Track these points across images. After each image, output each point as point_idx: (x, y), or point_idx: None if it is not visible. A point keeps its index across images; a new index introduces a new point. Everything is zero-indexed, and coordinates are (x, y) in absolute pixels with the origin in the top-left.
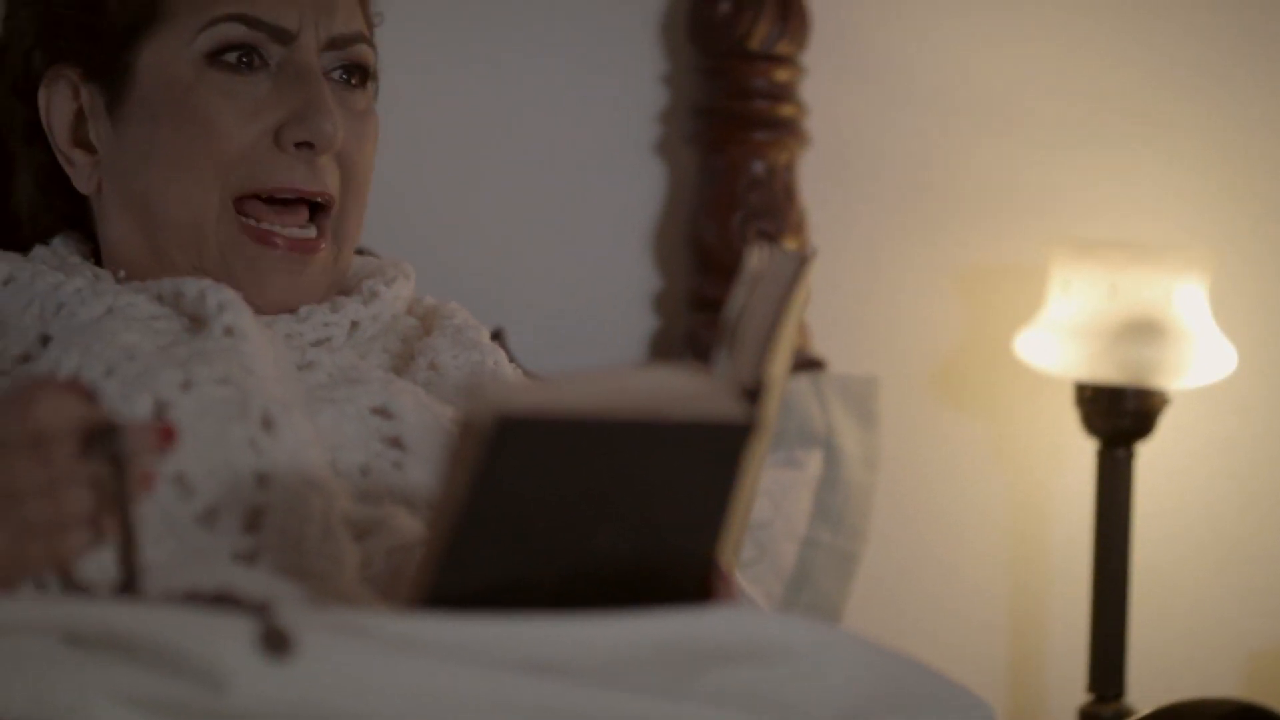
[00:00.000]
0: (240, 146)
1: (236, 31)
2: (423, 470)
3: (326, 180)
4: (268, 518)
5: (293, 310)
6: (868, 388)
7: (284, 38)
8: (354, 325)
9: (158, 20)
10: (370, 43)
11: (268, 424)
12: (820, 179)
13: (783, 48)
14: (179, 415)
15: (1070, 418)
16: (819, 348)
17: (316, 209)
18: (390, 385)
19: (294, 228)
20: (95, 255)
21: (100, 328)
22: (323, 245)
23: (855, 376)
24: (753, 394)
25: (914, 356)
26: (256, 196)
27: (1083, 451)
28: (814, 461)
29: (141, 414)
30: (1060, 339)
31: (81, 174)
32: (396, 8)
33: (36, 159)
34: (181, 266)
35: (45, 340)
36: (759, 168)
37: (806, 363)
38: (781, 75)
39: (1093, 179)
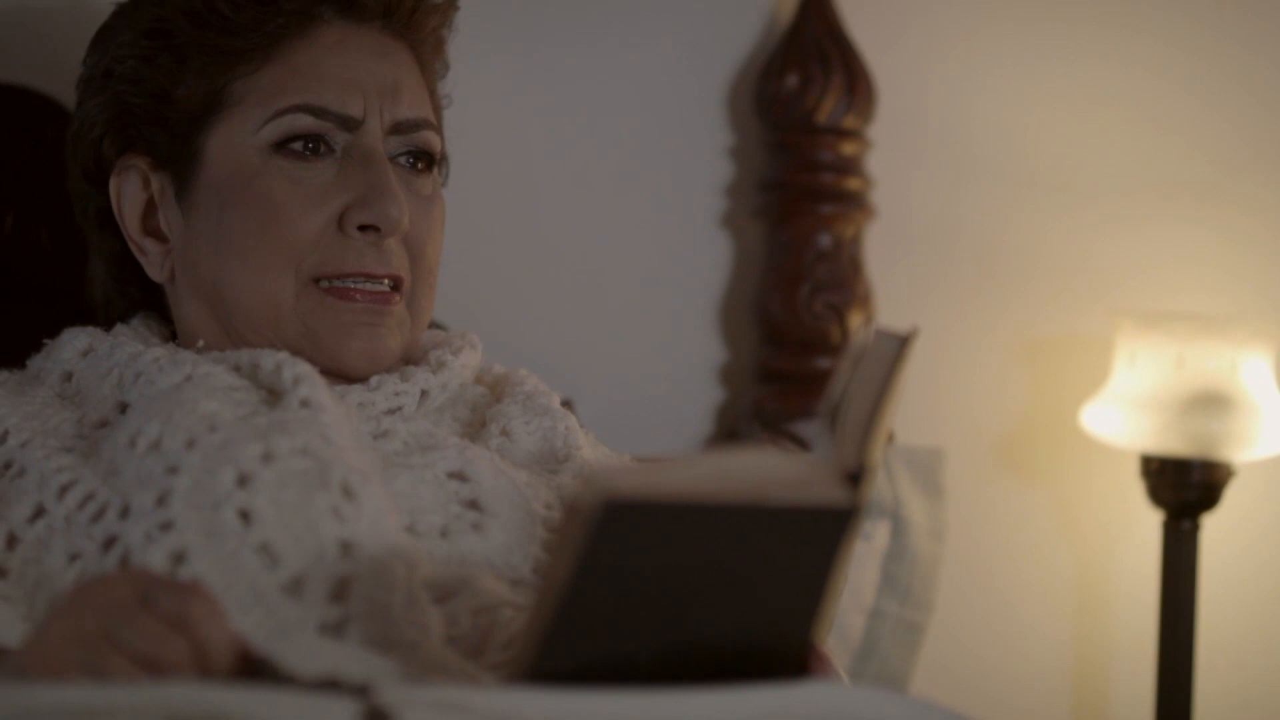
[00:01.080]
0: (308, 232)
1: (303, 122)
2: (502, 532)
3: (394, 262)
4: (354, 587)
5: (371, 372)
6: (934, 459)
7: (349, 125)
8: (424, 394)
9: (224, 108)
10: (436, 128)
11: (349, 493)
12: (886, 251)
13: (849, 121)
14: (261, 487)
15: (1135, 489)
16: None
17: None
18: (466, 450)
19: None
20: (172, 335)
21: (180, 396)
22: (398, 301)
23: (921, 448)
24: (855, 477)
25: (979, 428)
26: (327, 280)
27: (1147, 523)
28: (881, 533)
29: (225, 486)
30: (1126, 411)
31: (154, 263)
32: (465, 82)
33: (109, 246)
34: (258, 345)
35: (123, 408)
36: (826, 240)
37: None
38: (848, 149)
39: (1157, 252)
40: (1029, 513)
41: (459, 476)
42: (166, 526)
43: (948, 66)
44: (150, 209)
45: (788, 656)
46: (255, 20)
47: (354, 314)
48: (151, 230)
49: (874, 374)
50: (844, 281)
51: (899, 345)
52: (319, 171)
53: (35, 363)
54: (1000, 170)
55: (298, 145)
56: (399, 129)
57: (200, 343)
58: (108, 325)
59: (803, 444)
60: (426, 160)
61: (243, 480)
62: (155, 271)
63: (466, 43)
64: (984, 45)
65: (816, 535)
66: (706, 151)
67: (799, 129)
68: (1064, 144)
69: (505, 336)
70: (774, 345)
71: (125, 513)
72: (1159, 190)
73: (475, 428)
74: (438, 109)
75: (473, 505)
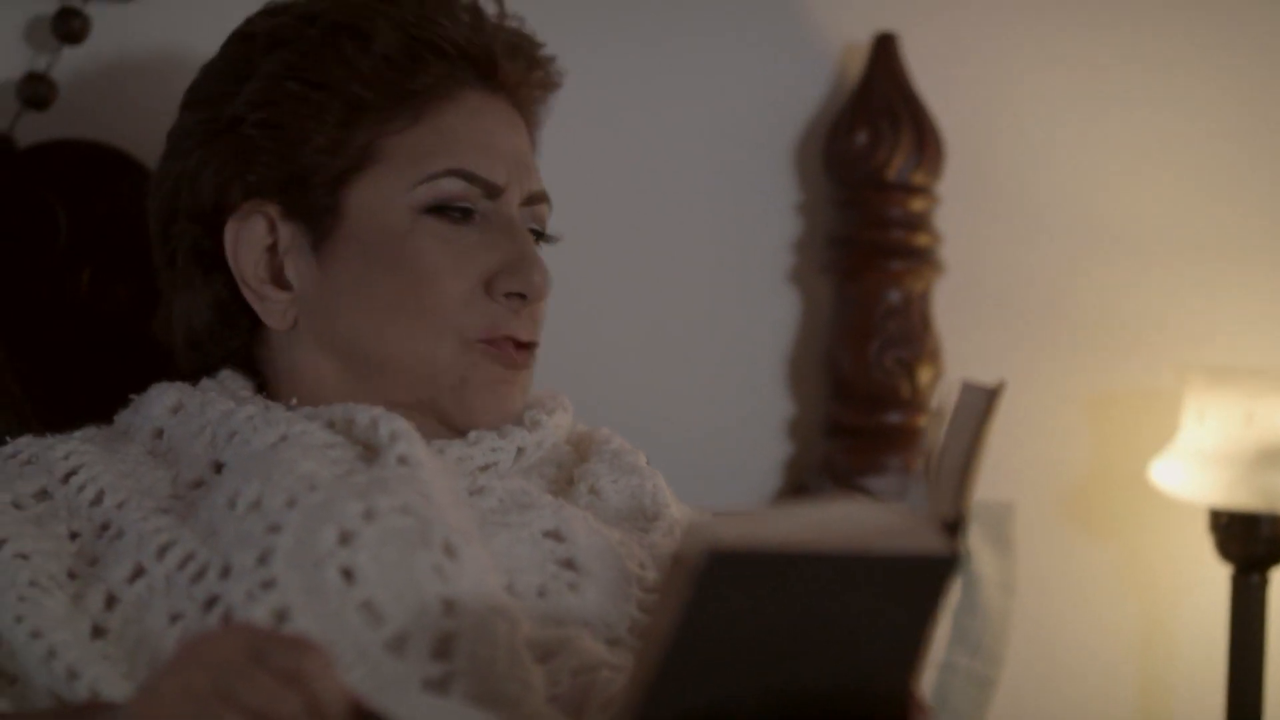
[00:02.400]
0: (458, 294)
1: (456, 186)
2: (598, 592)
3: (535, 329)
4: (457, 644)
5: (492, 429)
6: (1004, 513)
7: (493, 192)
8: (520, 451)
9: (370, 164)
10: (549, 202)
11: (451, 552)
12: (954, 307)
13: (918, 178)
14: (363, 545)
15: (1202, 544)
16: None
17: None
18: (561, 509)
19: None
20: (259, 387)
21: (277, 456)
22: (528, 364)
23: (991, 502)
24: (952, 527)
25: (1046, 482)
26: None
27: (1214, 578)
28: (951, 587)
29: (327, 544)
30: (1195, 465)
31: (275, 310)
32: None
33: (213, 290)
34: (402, 401)
35: (218, 467)
36: (895, 296)
37: None
38: (917, 205)
39: (1224, 308)
40: (1095, 566)
41: (555, 536)
42: (269, 585)
43: (1015, 122)
44: (270, 255)
45: (888, 705)
46: (403, 78)
47: (504, 374)
48: (273, 277)
49: (964, 427)
50: (914, 337)
51: (987, 398)
52: (466, 234)
53: (124, 418)
54: (1068, 225)
55: (455, 213)
56: (530, 200)
57: (293, 400)
58: (190, 368)
59: (875, 499)
60: (541, 232)
61: (344, 538)
62: (276, 319)
63: None
64: (1052, 100)
65: (916, 584)
66: (774, 207)
67: (868, 185)
68: (1132, 200)
69: (573, 390)
70: (843, 400)
71: (226, 573)
72: (1225, 247)
73: (562, 485)
74: None
75: (569, 565)
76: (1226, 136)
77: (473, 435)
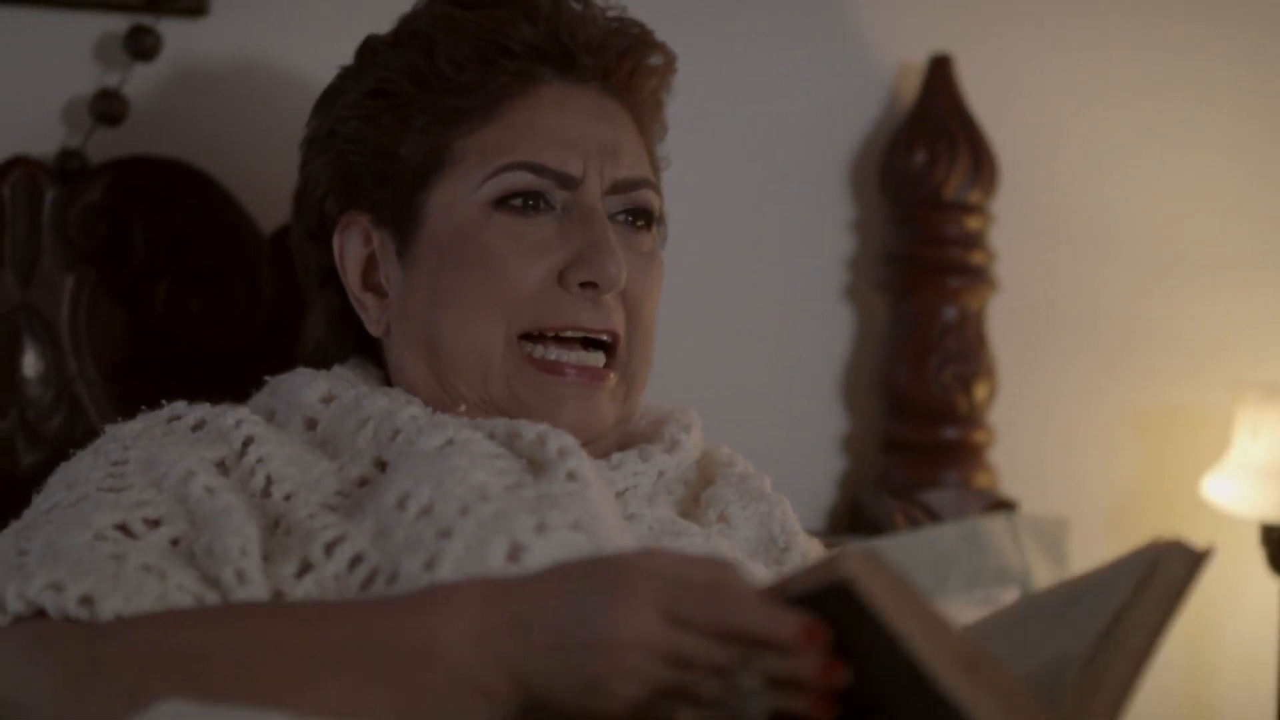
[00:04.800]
0: (527, 286)
1: (524, 179)
2: None
3: (612, 319)
4: None
5: (583, 441)
6: (1058, 528)
7: (569, 183)
8: (660, 475)
9: (446, 166)
10: (655, 187)
11: None
12: (1007, 323)
13: (974, 197)
14: (534, 559)
15: (1250, 558)
16: (1008, 488)
17: (603, 345)
18: (710, 540)
19: (578, 353)
20: (386, 380)
21: (448, 463)
22: (610, 375)
23: (1046, 517)
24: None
25: (1096, 496)
26: (542, 334)
27: (1263, 592)
28: (1010, 599)
29: (496, 558)
30: (1248, 480)
31: (373, 317)
32: None
33: (329, 301)
34: (469, 399)
35: (381, 464)
36: (952, 313)
37: (999, 504)
38: (972, 223)
39: (1275, 324)
40: None
41: None
42: None
43: (1066, 141)
44: (371, 265)
45: None
46: (477, 80)
47: (564, 388)
48: (372, 285)
49: (1161, 598)
50: (970, 353)
51: (1191, 566)
52: (539, 227)
53: (262, 402)
54: (1120, 244)
55: (517, 201)
56: (618, 188)
57: (462, 407)
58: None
59: (933, 514)
60: (646, 218)
61: (514, 552)
62: (373, 326)
63: None
64: (1103, 121)
65: None
66: (829, 225)
67: (926, 204)
68: (1185, 219)
69: None
70: (900, 416)
71: (394, 579)
72: (1273, 259)
73: (688, 506)
74: (656, 169)
75: None
76: (1273, 153)
77: (616, 458)
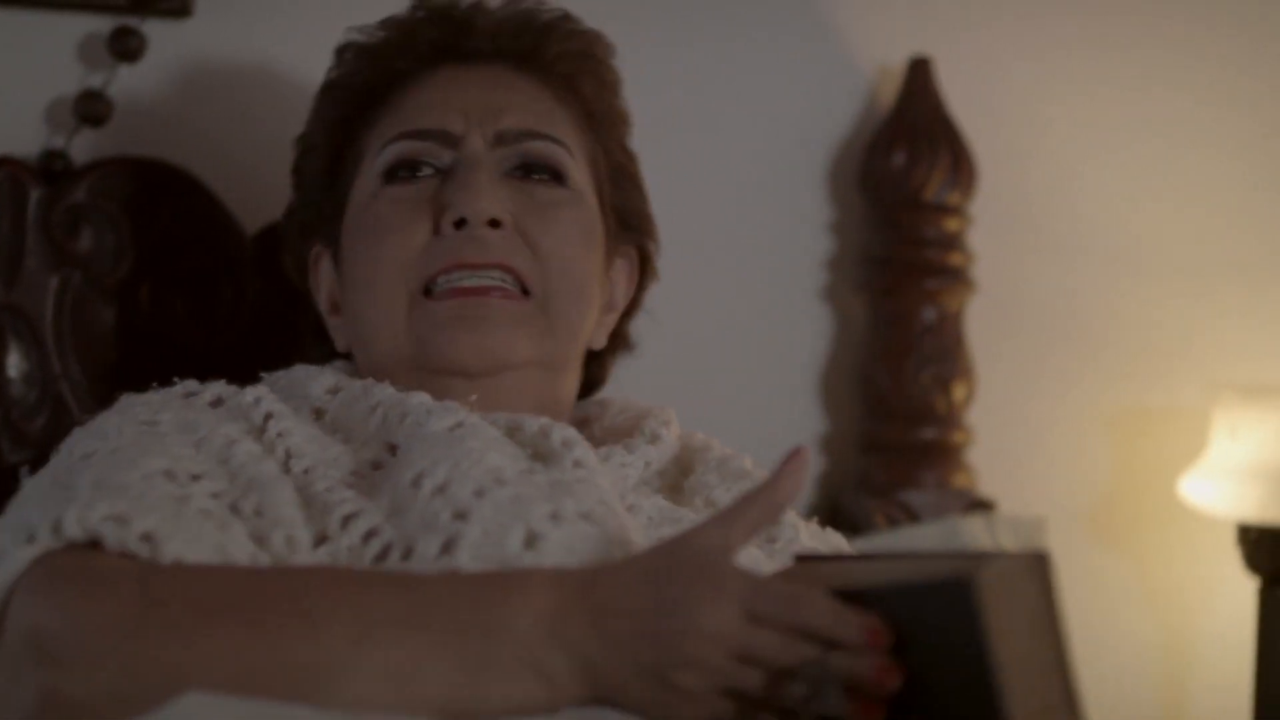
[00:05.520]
0: (413, 244)
1: (405, 147)
2: None
3: (495, 253)
4: None
5: (491, 368)
6: (1035, 528)
7: (450, 140)
8: (646, 466)
9: (357, 166)
10: (558, 141)
11: None
12: (985, 324)
13: (953, 198)
14: (549, 548)
15: (1226, 558)
16: (986, 489)
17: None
18: None
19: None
20: None
21: (462, 444)
22: (513, 296)
23: (1024, 517)
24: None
25: (1072, 496)
26: (443, 290)
27: (1240, 591)
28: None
29: (513, 545)
30: (1226, 481)
31: (338, 335)
32: None
33: (310, 321)
34: (394, 375)
35: (392, 449)
36: (930, 314)
37: (977, 504)
38: (951, 225)
39: (1250, 325)
40: (1120, 579)
41: None
42: None
43: (1044, 143)
44: (334, 290)
45: None
46: (369, 76)
47: (451, 310)
48: (334, 308)
49: (1026, 612)
50: (949, 354)
51: (1038, 570)
52: (422, 190)
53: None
54: (1098, 245)
55: (404, 172)
56: (503, 140)
57: (473, 396)
58: None
59: (913, 514)
60: (547, 172)
61: (531, 540)
62: (340, 343)
63: None
64: (1080, 122)
65: (954, 610)
66: (808, 226)
67: (906, 205)
68: (1161, 220)
69: None
70: (880, 416)
71: (408, 555)
72: (1252, 266)
73: (672, 493)
74: (600, 141)
75: None
76: (1253, 160)
77: (602, 451)
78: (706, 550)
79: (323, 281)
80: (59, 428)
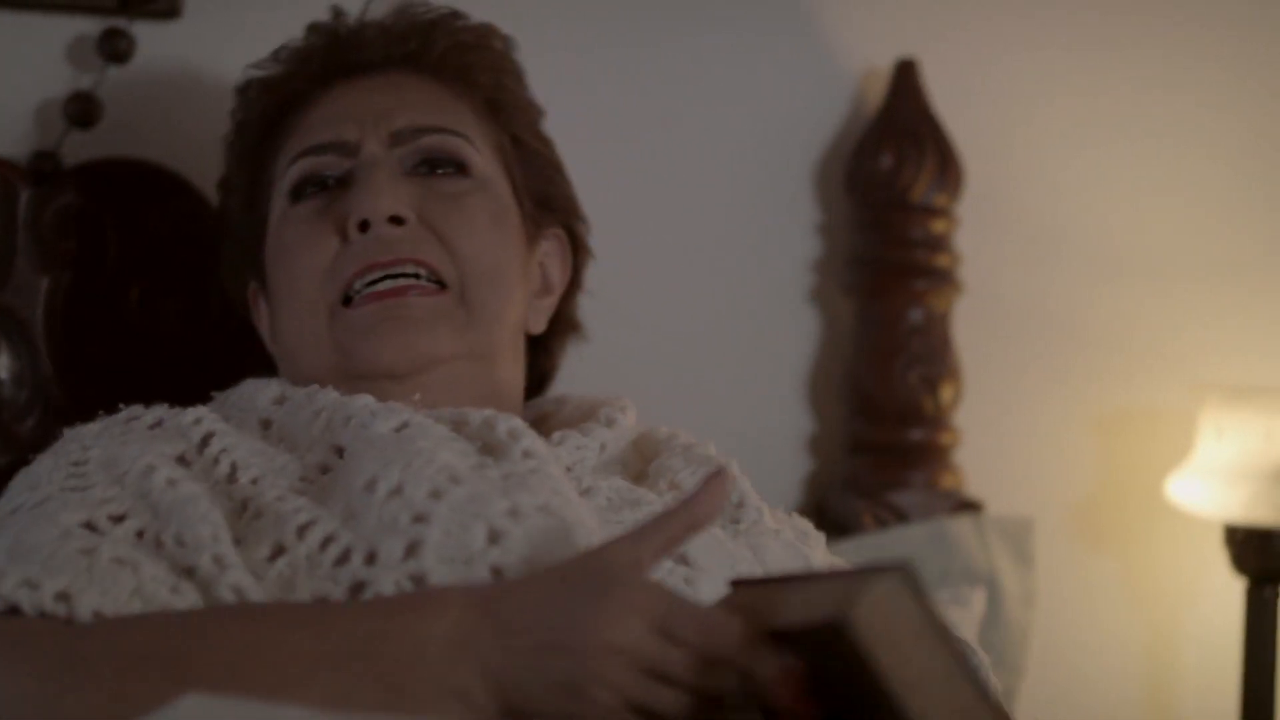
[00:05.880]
0: (322, 258)
1: (306, 165)
2: (712, 585)
3: (402, 249)
4: None
5: (417, 367)
6: (1023, 529)
7: (348, 150)
8: (602, 448)
9: (273, 192)
10: (455, 133)
11: None
12: (972, 326)
13: (940, 200)
14: (513, 545)
15: (1213, 559)
16: (973, 490)
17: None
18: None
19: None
20: None
21: (411, 444)
22: (431, 291)
23: (1012, 518)
24: None
25: (1059, 497)
26: (349, 293)
27: (1226, 592)
28: (978, 599)
29: (477, 542)
30: (1212, 482)
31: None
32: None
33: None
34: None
35: (338, 451)
36: (918, 315)
37: (965, 505)
38: (938, 226)
39: (1237, 326)
40: (1106, 580)
41: None
42: (419, 579)
43: (1031, 145)
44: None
45: None
46: (270, 108)
47: (370, 314)
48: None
49: (909, 634)
50: (936, 355)
51: (910, 586)
52: (326, 202)
53: (214, 409)
54: (1084, 247)
55: (310, 189)
56: (400, 139)
57: (416, 395)
58: None
59: (901, 514)
60: (448, 165)
61: (494, 537)
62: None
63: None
64: (1067, 124)
65: (842, 646)
66: (794, 228)
67: (893, 207)
68: (1147, 221)
69: None
70: (867, 417)
71: (372, 559)
72: (1238, 268)
73: (633, 481)
74: (509, 131)
75: (682, 560)
76: (1241, 162)
77: (557, 436)
78: (616, 564)
79: (263, 315)
80: (49, 429)
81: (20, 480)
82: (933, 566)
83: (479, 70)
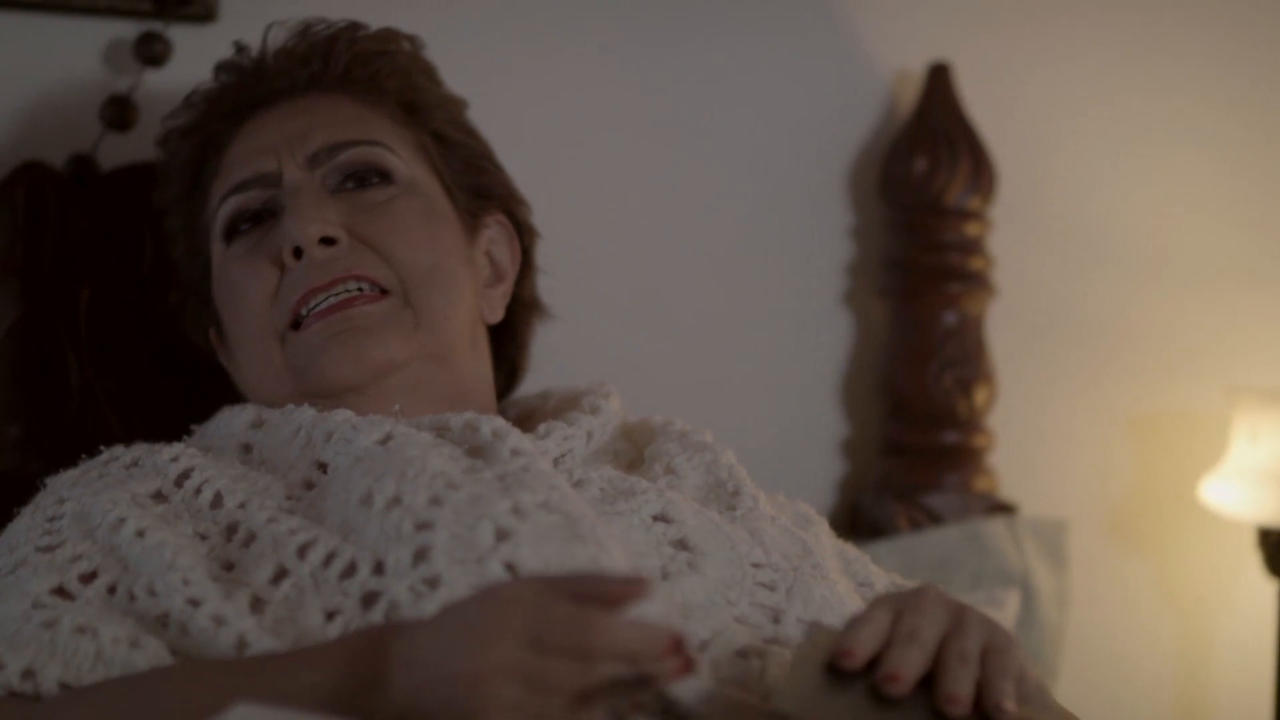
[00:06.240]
0: (263, 292)
1: (233, 204)
2: (715, 569)
3: (338, 268)
4: None
5: (373, 378)
6: (1058, 530)
7: (271, 181)
8: (589, 436)
9: (210, 237)
10: (372, 142)
11: (601, 544)
12: (1006, 328)
13: (973, 203)
14: (522, 540)
15: (1246, 561)
16: (1006, 492)
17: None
18: (663, 493)
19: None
20: None
21: (401, 454)
22: (376, 299)
23: (1046, 519)
24: None
25: (1092, 499)
26: (297, 319)
27: (1259, 594)
28: (1012, 600)
29: (486, 541)
30: (1247, 484)
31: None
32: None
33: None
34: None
35: (322, 467)
36: (952, 318)
37: (999, 507)
38: (972, 229)
39: (1271, 330)
40: (1139, 581)
41: (663, 519)
42: (433, 582)
43: (1064, 147)
44: None
45: None
46: (192, 155)
47: (319, 332)
48: None
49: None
50: (970, 357)
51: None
52: (259, 236)
53: (194, 443)
54: (1117, 250)
55: (244, 226)
56: (317, 160)
57: (396, 406)
58: None
59: (935, 516)
60: (374, 175)
61: (502, 535)
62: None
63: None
64: (1099, 127)
65: None
66: (827, 231)
67: (927, 210)
68: (1181, 225)
69: (631, 408)
70: (901, 419)
71: (379, 569)
72: (1274, 271)
73: (630, 466)
74: (419, 128)
75: (682, 545)
76: (1276, 167)
77: (543, 428)
78: (495, 588)
79: (226, 356)
80: (83, 434)
81: (3, 540)
82: (967, 568)
83: (385, 76)
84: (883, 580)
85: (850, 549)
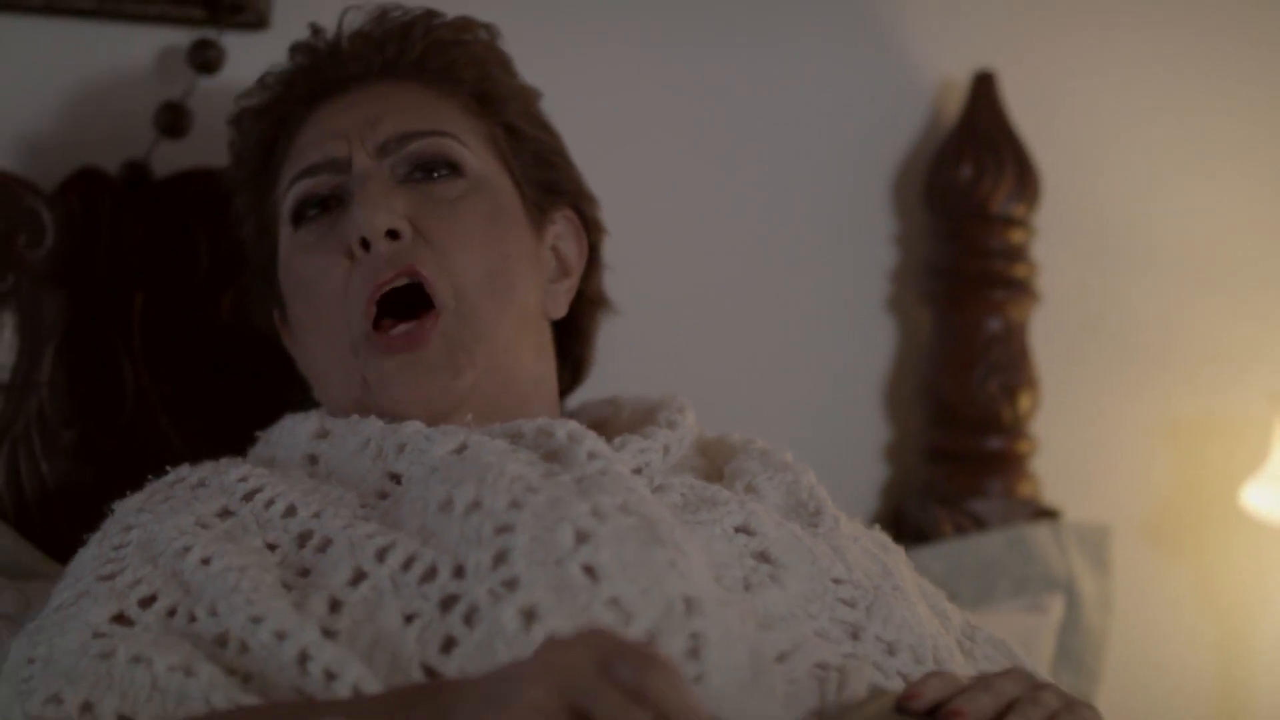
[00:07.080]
0: (334, 283)
1: (302, 188)
2: (797, 583)
3: (399, 259)
4: (706, 645)
5: (441, 414)
6: (1101, 535)
7: (340, 166)
8: (665, 450)
9: (279, 220)
10: (443, 133)
11: (680, 549)
12: (1049, 335)
13: (1018, 210)
14: (602, 543)
15: None
16: (1050, 498)
17: (424, 299)
18: (746, 504)
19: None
20: None
21: (479, 461)
22: (429, 333)
23: (1089, 524)
24: None
25: (1134, 504)
26: (372, 321)
27: None
28: (1056, 605)
29: (566, 543)
30: None
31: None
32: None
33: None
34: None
35: (395, 478)
36: (996, 325)
37: (1043, 512)
38: (1016, 236)
39: None
40: (1180, 587)
41: (745, 530)
42: (512, 584)
43: (1107, 155)
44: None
45: None
46: (263, 136)
47: (392, 362)
48: None
49: None
50: (1015, 364)
51: None
52: (328, 224)
53: (259, 452)
54: (1160, 254)
55: (312, 212)
56: (387, 149)
57: (469, 416)
58: None
59: (980, 521)
60: (443, 167)
61: (581, 537)
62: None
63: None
64: (1144, 134)
65: None
66: (872, 237)
67: (972, 217)
68: (1224, 231)
69: None
70: (945, 425)
71: (460, 572)
72: None
73: (710, 480)
74: (491, 121)
75: (764, 558)
76: None
77: (618, 440)
78: (552, 643)
79: (290, 341)
80: (138, 441)
81: (71, 567)
82: (1012, 573)
83: (461, 66)
84: (957, 616)
85: (926, 583)
